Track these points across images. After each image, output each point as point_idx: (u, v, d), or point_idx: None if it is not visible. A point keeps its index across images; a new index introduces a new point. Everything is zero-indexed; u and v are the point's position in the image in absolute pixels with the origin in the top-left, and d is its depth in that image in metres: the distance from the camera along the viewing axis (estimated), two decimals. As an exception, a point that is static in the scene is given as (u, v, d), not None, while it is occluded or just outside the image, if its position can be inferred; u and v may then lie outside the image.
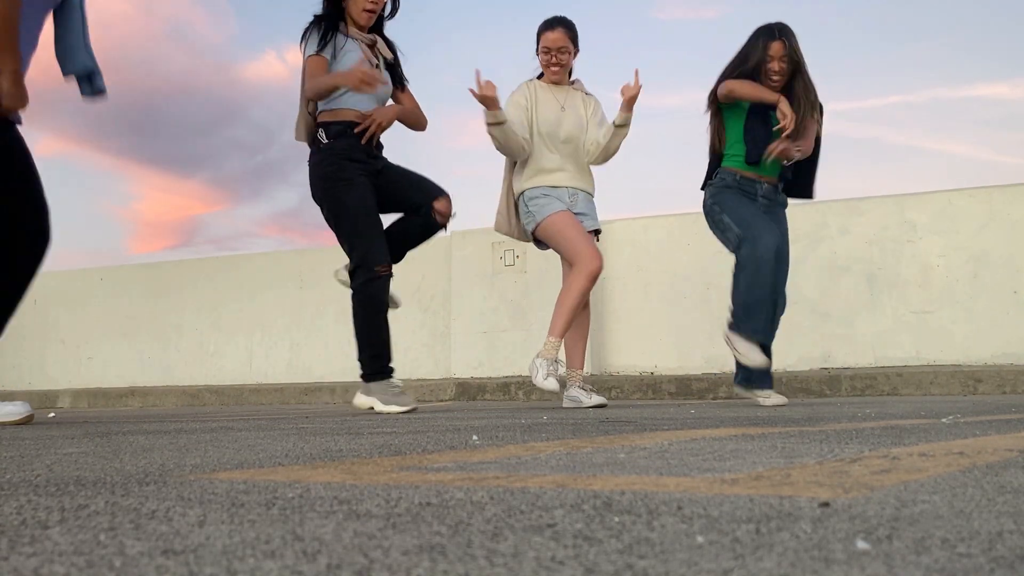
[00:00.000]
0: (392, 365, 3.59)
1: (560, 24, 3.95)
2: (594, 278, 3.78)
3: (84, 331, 8.77)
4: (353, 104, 3.63)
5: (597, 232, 4.00)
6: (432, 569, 0.58)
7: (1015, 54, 13.81)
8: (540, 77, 4.06)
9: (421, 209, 3.68)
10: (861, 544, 0.63)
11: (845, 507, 0.82)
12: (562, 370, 3.87)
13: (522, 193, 3.94)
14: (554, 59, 3.94)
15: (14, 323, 10.00)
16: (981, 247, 5.97)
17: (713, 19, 15.36)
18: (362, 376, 3.60)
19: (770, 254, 3.47)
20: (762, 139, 3.60)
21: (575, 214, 3.89)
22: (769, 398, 3.64)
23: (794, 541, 0.66)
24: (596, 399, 3.80)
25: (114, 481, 1.16)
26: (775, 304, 3.63)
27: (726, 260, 6.58)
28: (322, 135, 3.63)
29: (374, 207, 3.62)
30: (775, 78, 3.60)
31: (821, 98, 3.71)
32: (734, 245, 3.60)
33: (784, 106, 3.50)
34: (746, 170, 3.67)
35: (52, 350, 8.89)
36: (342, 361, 7.52)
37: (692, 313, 6.65)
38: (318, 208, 3.69)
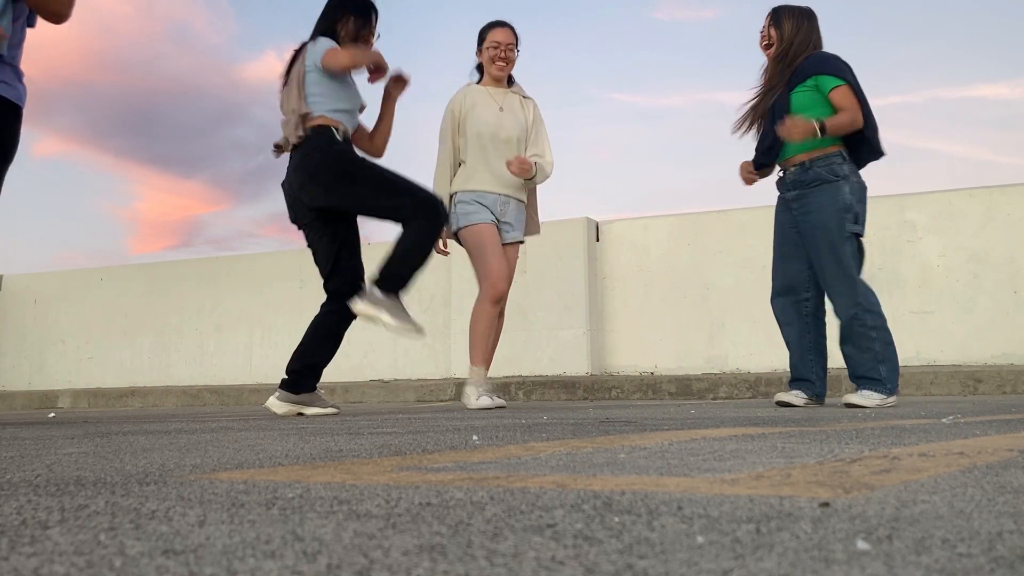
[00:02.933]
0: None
1: (506, 24, 4.07)
2: (496, 301, 3.87)
3: (84, 331, 8.76)
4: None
5: (520, 243, 4.10)
6: (432, 569, 0.58)
7: (1015, 54, 13.82)
8: (479, 81, 4.13)
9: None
10: (861, 544, 0.63)
11: (845, 507, 0.82)
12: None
13: (454, 195, 4.01)
14: (503, 54, 4.02)
15: (14, 323, 9.92)
16: (981, 247, 5.97)
17: (712, 20, 15.38)
18: None
19: (776, 305, 3.61)
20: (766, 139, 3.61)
21: (501, 223, 3.98)
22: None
23: (794, 541, 0.66)
24: (493, 401, 3.80)
25: (114, 481, 1.16)
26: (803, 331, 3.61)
27: (726, 260, 6.61)
28: None
29: None
30: (763, 44, 3.64)
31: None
32: None
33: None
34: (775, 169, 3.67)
35: (52, 350, 8.89)
36: (342, 361, 7.51)
37: (692, 313, 6.65)
38: None
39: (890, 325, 6.12)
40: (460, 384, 6.27)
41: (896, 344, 6.05)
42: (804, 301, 3.59)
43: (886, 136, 3.62)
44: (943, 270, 6.03)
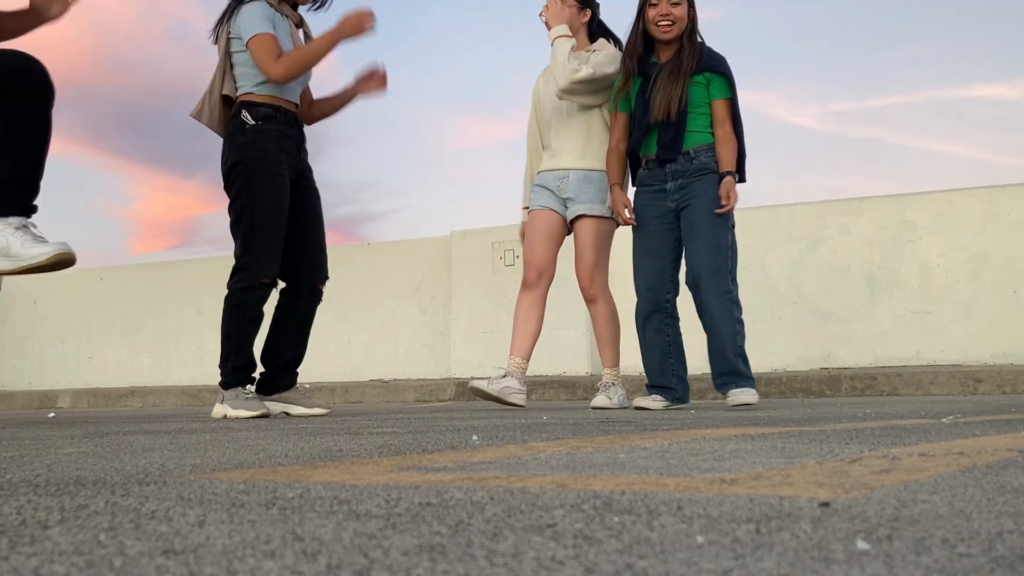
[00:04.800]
0: (253, 376, 3.39)
1: None
2: (528, 287, 3.72)
3: (84, 331, 8.76)
4: (287, 93, 3.38)
5: (589, 216, 3.66)
6: (432, 569, 0.58)
7: (1015, 54, 13.83)
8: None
9: (300, 288, 3.51)
10: (861, 544, 0.63)
11: (845, 507, 0.82)
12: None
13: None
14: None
15: (14, 323, 9.91)
16: (981, 247, 5.97)
17: (714, 19, 15.37)
18: (221, 384, 3.35)
19: (639, 307, 3.47)
20: (640, 123, 3.38)
21: (564, 198, 3.69)
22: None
23: (794, 541, 0.66)
24: (516, 398, 3.64)
25: (114, 481, 1.16)
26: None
27: (726, 260, 6.59)
28: (246, 116, 3.31)
29: (286, 209, 3.35)
30: (662, 24, 3.29)
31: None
32: None
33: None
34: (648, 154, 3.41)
35: (52, 350, 8.89)
36: (341, 361, 7.52)
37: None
38: None
39: (890, 325, 6.16)
40: (460, 384, 6.27)
41: (896, 344, 6.08)
42: (666, 302, 3.50)
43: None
44: (943, 270, 6.03)
